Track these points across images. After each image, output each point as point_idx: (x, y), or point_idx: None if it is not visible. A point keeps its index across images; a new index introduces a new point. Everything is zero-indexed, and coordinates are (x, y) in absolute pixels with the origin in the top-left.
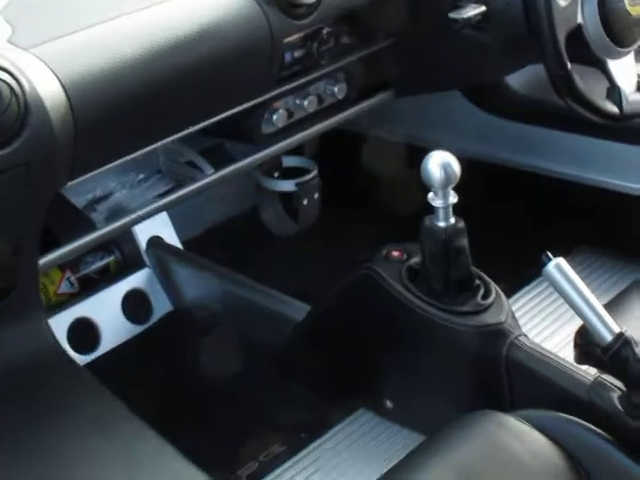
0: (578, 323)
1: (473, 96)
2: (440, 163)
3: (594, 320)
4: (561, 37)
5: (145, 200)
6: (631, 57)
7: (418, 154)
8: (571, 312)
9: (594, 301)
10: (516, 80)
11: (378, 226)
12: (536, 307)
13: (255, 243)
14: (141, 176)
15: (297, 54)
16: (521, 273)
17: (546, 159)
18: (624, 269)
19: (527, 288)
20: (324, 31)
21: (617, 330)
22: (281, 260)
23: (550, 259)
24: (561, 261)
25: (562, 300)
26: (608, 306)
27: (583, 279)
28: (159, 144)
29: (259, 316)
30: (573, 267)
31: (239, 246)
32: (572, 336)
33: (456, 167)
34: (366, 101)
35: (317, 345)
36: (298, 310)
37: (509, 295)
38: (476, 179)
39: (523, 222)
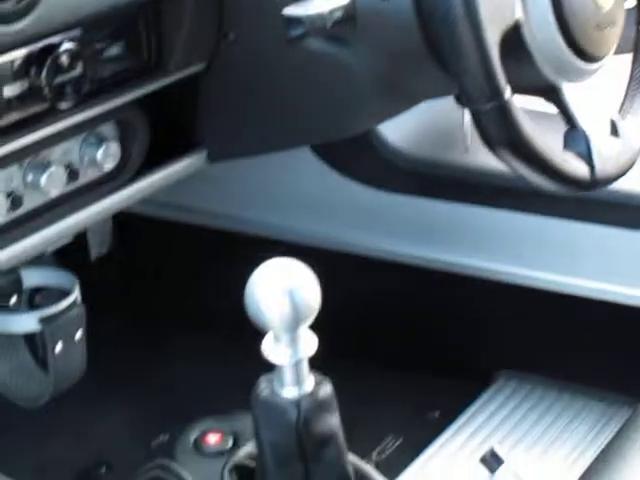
0: None
1: (331, 158)
2: (283, 289)
3: None
4: (492, 40)
5: None
6: (597, 80)
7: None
8: None
9: None
10: (395, 134)
11: (196, 369)
12: None
13: None
14: None
15: (10, 91)
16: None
17: (445, 246)
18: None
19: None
20: (61, 48)
21: None
22: (34, 440)
23: (499, 460)
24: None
25: None
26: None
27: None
28: None
29: None
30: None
31: None
32: None
33: (311, 291)
34: (159, 172)
35: None
36: None
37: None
38: (341, 284)
39: (411, 340)
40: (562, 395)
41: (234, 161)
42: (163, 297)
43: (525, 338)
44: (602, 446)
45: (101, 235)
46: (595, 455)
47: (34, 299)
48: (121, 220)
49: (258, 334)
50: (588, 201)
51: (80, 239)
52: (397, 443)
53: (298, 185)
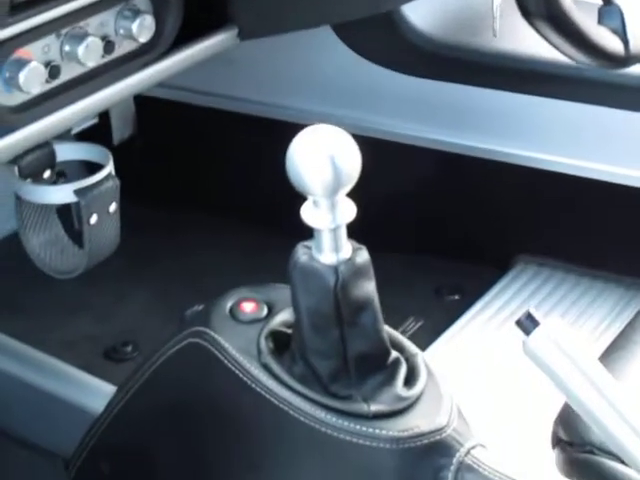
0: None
1: (355, 40)
2: (324, 153)
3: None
4: None
5: None
6: None
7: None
8: None
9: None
10: (420, 17)
11: (224, 248)
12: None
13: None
14: None
15: None
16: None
17: (468, 131)
18: (596, 281)
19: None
20: None
21: None
22: (64, 316)
23: (535, 322)
24: (555, 326)
25: None
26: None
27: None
28: None
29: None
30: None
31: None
32: None
33: (351, 154)
34: (191, 47)
35: (123, 452)
36: (95, 396)
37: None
38: (369, 167)
39: (432, 225)
40: (581, 279)
41: (259, 45)
42: (187, 179)
43: (543, 223)
44: (623, 325)
45: (124, 119)
46: (617, 333)
47: (57, 182)
48: (144, 104)
49: (286, 217)
50: (616, 86)
51: (102, 123)
52: (419, 324)
53: (321, 70)
